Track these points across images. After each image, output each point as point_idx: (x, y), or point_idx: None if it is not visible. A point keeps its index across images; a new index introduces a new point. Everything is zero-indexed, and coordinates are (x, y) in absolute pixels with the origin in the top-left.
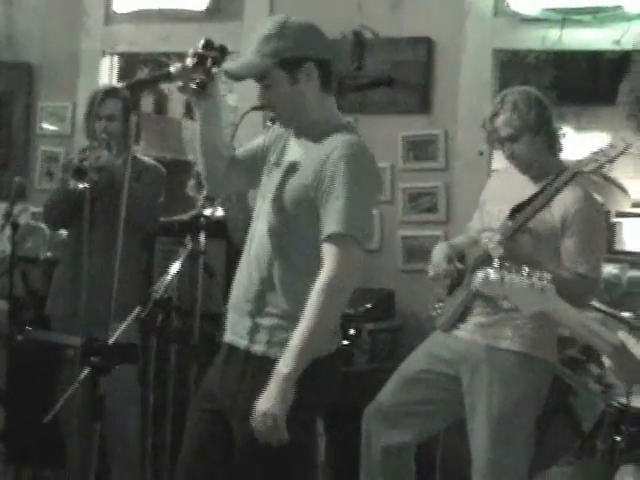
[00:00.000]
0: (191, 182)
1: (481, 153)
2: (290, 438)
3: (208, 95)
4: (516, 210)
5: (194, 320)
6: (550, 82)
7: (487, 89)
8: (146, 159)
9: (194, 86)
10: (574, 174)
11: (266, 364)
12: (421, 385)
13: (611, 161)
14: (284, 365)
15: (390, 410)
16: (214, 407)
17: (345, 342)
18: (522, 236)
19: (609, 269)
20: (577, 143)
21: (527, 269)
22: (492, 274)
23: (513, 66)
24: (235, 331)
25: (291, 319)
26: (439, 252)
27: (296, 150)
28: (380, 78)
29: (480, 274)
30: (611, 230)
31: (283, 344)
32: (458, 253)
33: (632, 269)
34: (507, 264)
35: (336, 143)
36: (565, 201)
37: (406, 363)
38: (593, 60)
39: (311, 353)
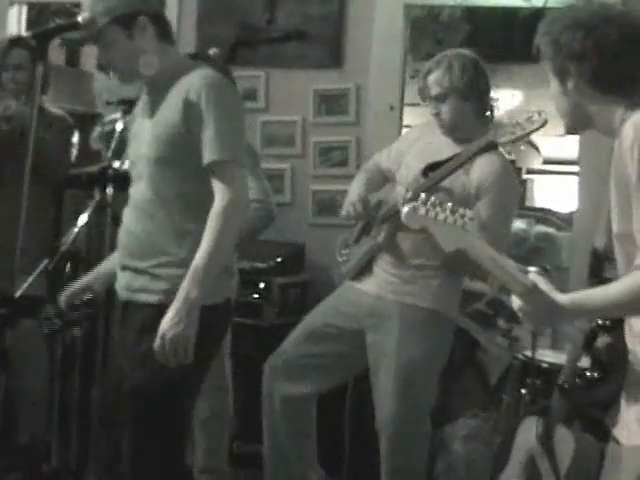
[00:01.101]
0: (95, 133)
1: (392, 108)
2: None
3: None
4: (430, 168)
5: None
6: (464, 39)
7: (399, 44)
8: (55, 110)
9: None
10: (487, 144)
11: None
12: (323, 338)
13: (527, 135)
14: (190, 290)
15: (291, 362)
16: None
17: (255, 296)
18: (435, 194)
19: (517, 224)
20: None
21: (450, 205)
22: (419, 207)
23: (426, 21)
24: (120, 285)
25: (175, 264)
26: (356, 192)
27: (152, 106)
28: (291, 31)
29: (407, 207)
30: (522, 186)
31: (163, 290)
32: (373, 194)
33: (539, 224)
34: (432, 198)
35: (191, 78)
36: (483, 169)
37: (310, 316)
38: (507, 17)
39: (212, 277)
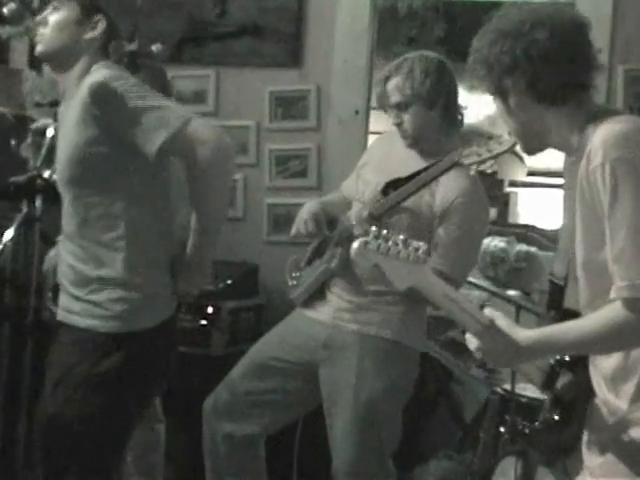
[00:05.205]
0: (28, 140)
1: (357, 112)
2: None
3: None
4: (391, 185)
5: (29, 295)
6: (440, 37)
7: (365, 41)
8: None
9: None
10: (452, 165)
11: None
12: (271, 373)
13: (494, 158)
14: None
15: (235, 399)
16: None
17: (202, 322)
18: (396, 214)
19: (496, 243)
20: (469, 103)
21: (403, 237)
22: (370, 243)
23: (394, 16)
24: (60, 306)
25: (112, 285)
26: (308, 209)
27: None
28: (245, 26)
29: (356, 243)
30: (503, 200)
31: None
32: (328, 215)
33: (520, 243)
34: (384, 232)
35: (83, 89)
36: (449, 188)
37: (256, 348)
38: (486, 13)
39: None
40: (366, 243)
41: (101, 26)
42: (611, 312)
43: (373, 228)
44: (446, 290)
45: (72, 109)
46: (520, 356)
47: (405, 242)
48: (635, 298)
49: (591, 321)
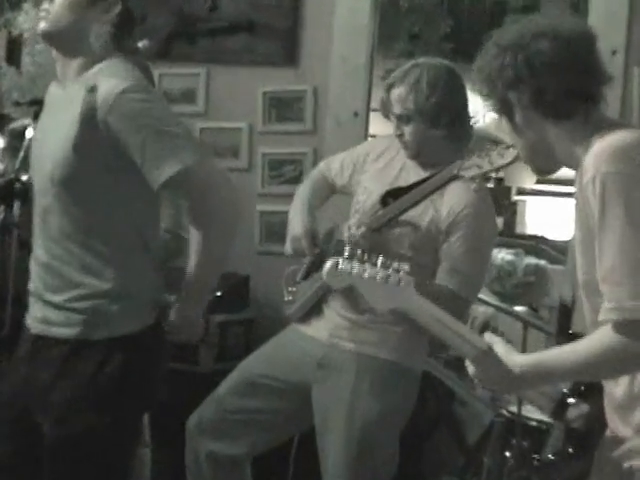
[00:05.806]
0: (4, 143)
1: (356, 114)
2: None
3: None
4: (391, 194)
5: (5, 305)
6: (445, 33)
7: (365, 38)
8: None
9: None
10: (451, 177)
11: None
12: (261, 392)
13: (495, 171)
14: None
15: (221, 417)
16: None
17: None
18: (397, 228)
19: (503, 255)
20: (474, 105)
21: (382, 258)
22: (341, 264)
23: (396, 11)
24: (32, 316)
25: (95, 296)
26: (300, 225)
27: (59, 105)
28: (237, 22)
29: (328, 263)
30: (511, 210)
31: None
32: (318, 209)
33: (529, 255)
34: (359, 252)
35: (106, 83)
36: (454, 201)
37: (247, 364)
38: (495, 9)
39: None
40: (337, 264)
41: (114, 9)
42: (602, 336)
43: (347, 248)
44: (436, 313)
45: (72, 104)
46: (514, 385)
47: (384, 263)
48: (626, 320)
49: (583, 346)
